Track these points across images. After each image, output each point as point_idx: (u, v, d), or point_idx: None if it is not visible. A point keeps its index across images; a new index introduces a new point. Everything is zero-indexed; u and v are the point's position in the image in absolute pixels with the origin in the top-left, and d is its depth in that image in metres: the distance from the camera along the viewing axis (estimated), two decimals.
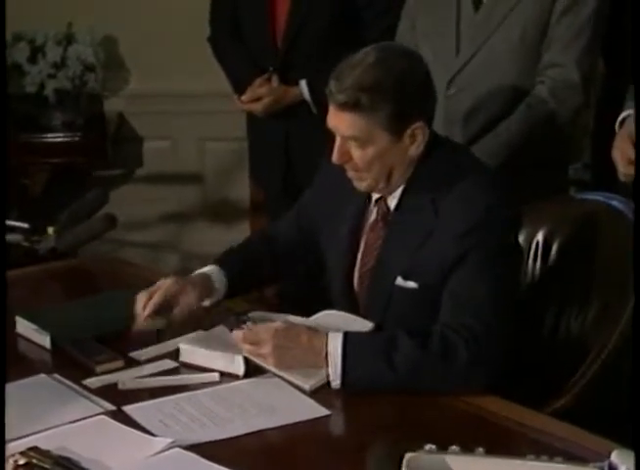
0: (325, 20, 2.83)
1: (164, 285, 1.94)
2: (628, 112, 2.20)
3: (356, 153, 1.83)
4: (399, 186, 1.88)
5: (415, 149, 1.84)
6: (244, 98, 2.89)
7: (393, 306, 1.89)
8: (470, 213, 1.81)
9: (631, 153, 2.10)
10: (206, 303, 1.98)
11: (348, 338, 1.74)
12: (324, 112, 1.87)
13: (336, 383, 1.73)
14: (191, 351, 1.86)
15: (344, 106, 1.79)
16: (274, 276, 2.18)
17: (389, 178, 1.86)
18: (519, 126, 2.40)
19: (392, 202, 1.91)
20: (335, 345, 1.73)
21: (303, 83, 2.84)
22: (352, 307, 1.95)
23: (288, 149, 2.94)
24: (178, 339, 1.91)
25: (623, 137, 2.17)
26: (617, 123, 2.24)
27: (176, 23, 3.76)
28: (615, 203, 2.07)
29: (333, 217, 2.00)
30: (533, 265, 2.13)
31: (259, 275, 2.12)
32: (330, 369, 1.73)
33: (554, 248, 2.12)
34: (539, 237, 2.12)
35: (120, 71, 3.88)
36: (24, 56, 3.63)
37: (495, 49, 2.41)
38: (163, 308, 1.93)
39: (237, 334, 1.81)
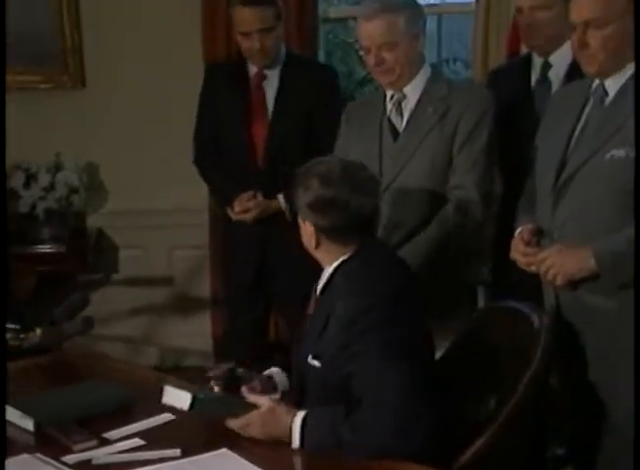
0: (297, 143, 3.26)
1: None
2: (521, 228, 2.44)
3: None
4: None
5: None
6: (236, 210, 3.29)
7: (307, 383, 2.12)
8: (352, 305, 2.00)
9: (522, 247, 2.35)
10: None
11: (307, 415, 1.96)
12: (296, 220, 2.22)
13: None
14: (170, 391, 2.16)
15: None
16: None
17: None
18: (432, 237, 2.64)
19: (321, 283, 2.16)
20: (296, 422, 1.95)
21: (281, 197, 3.27)
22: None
23: (264, 250, 3.33)
24: (148, 420, 2.09)
25: (517, 238, 2.41)
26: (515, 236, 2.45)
27: (148, 151, 4.06)
28: (512, 304, 2.29)
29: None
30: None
31: None
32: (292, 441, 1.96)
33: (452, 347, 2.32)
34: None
35: (101, 192, 4.13)
36: (20, 182, 3.90)
37: (411, 173, 2.65)
38: None
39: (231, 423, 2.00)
